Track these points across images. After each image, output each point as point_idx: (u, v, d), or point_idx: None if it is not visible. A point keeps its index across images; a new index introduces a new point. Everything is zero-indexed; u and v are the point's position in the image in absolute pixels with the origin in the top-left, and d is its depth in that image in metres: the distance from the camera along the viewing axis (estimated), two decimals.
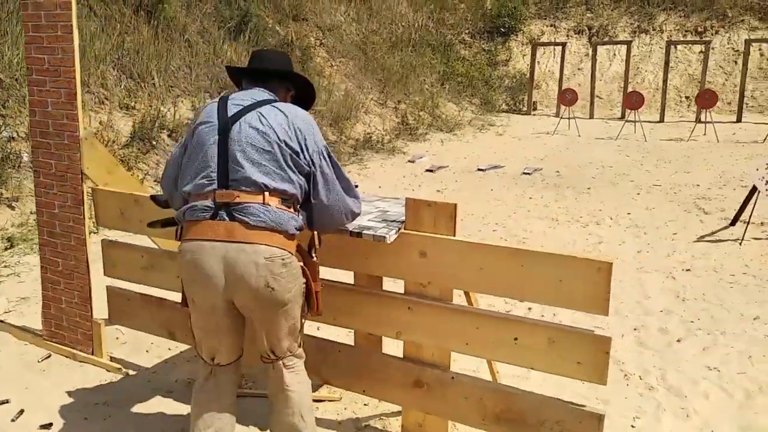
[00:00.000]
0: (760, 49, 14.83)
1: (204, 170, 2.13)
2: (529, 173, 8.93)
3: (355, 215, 2.39)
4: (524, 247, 2.31)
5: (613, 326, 3.89)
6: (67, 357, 3.43)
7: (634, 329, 3.85)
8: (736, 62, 14.60)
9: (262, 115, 2.17)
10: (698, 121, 12.36)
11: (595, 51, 14.82)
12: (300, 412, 2.30)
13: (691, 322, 3.92)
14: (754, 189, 5.69)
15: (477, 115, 14.15)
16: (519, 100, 15.44)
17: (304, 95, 2.53)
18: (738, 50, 14.87)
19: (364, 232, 2.39)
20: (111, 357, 3.43)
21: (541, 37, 16.88)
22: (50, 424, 2.81)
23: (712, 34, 15.48)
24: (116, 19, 8.44)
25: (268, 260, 2.08)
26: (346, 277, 2.82)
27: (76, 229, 3.28)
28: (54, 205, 3.33)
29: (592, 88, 14.63)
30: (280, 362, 2.29)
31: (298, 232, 2.19)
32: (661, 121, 13.63)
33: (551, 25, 17.21)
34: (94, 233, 5.04)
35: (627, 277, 4.77)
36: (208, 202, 2.10)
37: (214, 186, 2.10)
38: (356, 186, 2.43)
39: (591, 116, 14.33)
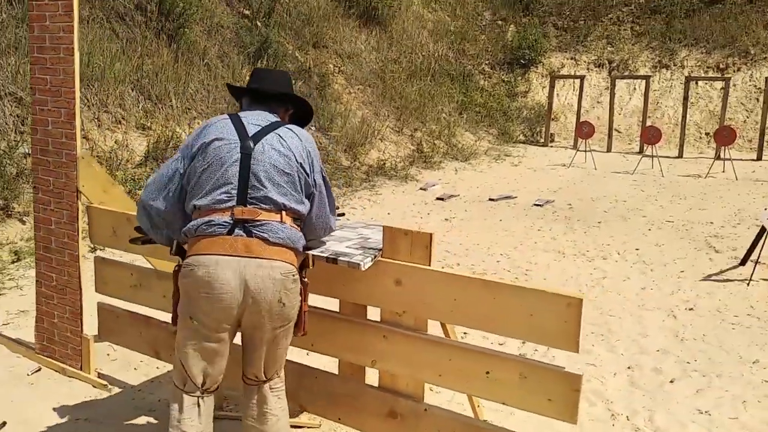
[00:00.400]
0: None
1: (223, 186, 2.17)
2: (540, 205, 8.88)
3: (331, 231, 2.55)
4: (495, 280, 2.30)
5: (606, 364, 3.83)
6: (56, 371, 3.47)
7: (628, 368, 3.78)
8: (757, 99, 14.42)
9: (282, 138, 2.27)
10: (717, 157, 12.22)
11: (613, 84, 14.79)
12: None
13: (687, 362, 3.84)
14: (763, 229, 5.59)
15: (493, 145, 14.16)
16: (536, 131, 15.43)
17: (302, 113, 2.61)
18: (760, 87, 14.71)
19: (340, 258, 2.40)
20: (99, 373, 3.46)
21: (561, 70, 16.90)
22: None
23: (734, 71, 15.36)
24: (138, 41, 8.66)
25: (283, 275, 2.17)
26: (327, 303, 2.82)
27: (70, 245, 3.34)
28: (51, 221, 3.40)
29: (611, 121, 14.57)
30: (267, 385, 2.34)
31: (303, 250, 2.31)
32: (680, 156, 13.49)
33: (572, 58, 17.24)
34: (100, 250, 5.12)
35: (627, 314, 4.70)
36: (226, 218, 2.15)
37: (233, 202, 2.16)
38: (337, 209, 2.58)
39: (609, 150, 14.25)
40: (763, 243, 5.61)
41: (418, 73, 14.47)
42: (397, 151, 11.67)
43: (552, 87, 15.41)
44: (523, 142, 15.09)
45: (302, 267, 2.33)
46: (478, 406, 2.93)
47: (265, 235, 2.15)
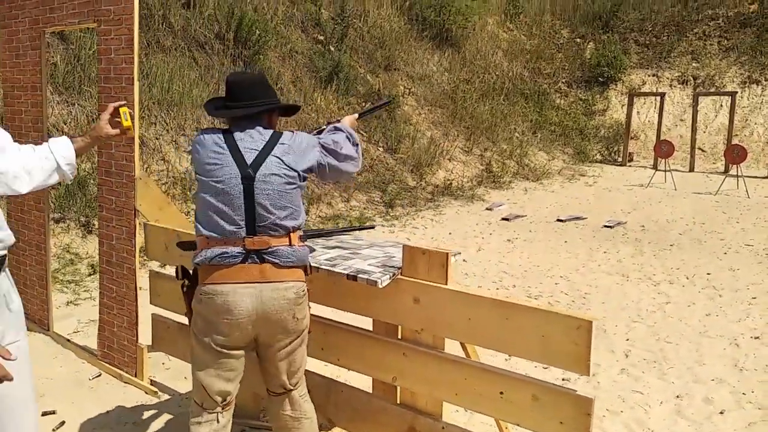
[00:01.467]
0: None
1: (230, 218, 2.24)
2: (611, 226, 8.62)
3: (354, 163, 2.56)
4: (509, 300, 2.30)
5: (654, 392, 3.69)
6: (114, 377, 3.73)
7: (677, 396, 3.62)
8: None
9: (280, 159, 2.31)
10: None
11: (696, 102, 14.16)
12: None
13: (743, 393, 3.63)
14: None
15: (568, 165, 13.86)
16: (614, 150, 14.98)
17: (287, 107, 2.66)
18: None
19: (359, 275, 2.48)
20: (152, 380, 3.68)
21: (642, 87, 16.37)
22: None
23: None
24: (215, 68, 9.16)
25: (296, 294, 2.30)
26: (358, 321, 2.90)
27: (128, 259, 3.60)
28: (112, 237, 3.68)
29: (693, 140, 13.94)
30: (295, 392, 2.46)
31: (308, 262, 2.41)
32: None
33: (653, 75, 16.67)
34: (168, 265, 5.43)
35: (685, 340, 4.49)
36: (239, 249, 2.24)
37: (243, 233, 2.25)
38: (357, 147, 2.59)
39: (691, 169, 13.63)
40: None
41: (491, 92, 14.44)
42: (465, 170, 11.66)
43: (630, 105, 14.95)
44: (600, 162, 14.68)
45: (305, 272, 2.41)
46: (506, 428, 2.91)
47: (277, 261, 2.26)
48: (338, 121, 2.76)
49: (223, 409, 2.36)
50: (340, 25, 11.79)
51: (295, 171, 2.32)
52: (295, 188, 2.33)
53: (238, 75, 2.49)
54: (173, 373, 3.84)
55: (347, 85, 11.01)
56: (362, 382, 3.00)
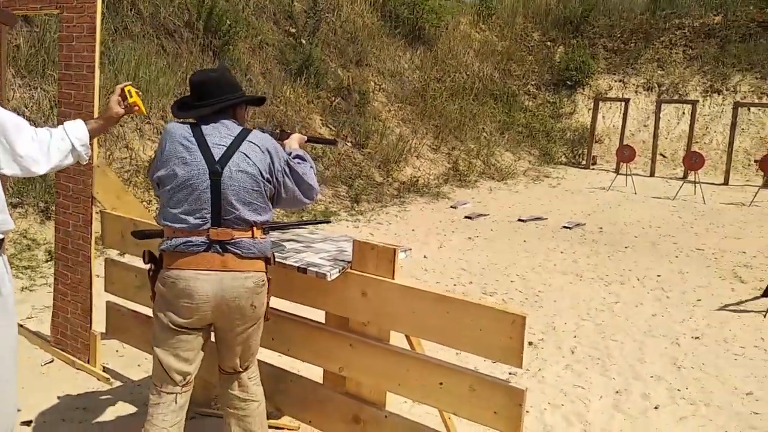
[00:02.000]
0: None
1: (197, 212, 2.32)
2: (570, 227, 8.83)
3: (312, 192, 2.62)
4: (449, 294, 2.40)
5: (595, 387, 3.84)
6: (66, 363, 3.74)
7: (616, 392, 3.78)
8: None
9: (247, 156, 2.38)
10: (764, 186, 11.85)
11: (659, 108, 14.54)
12: (261, 421, 2.58)
13: (678, 390, 3.82)
14: None
15: (534, 166, 14.10)
16: (579, 153, 15.28)
17: (252, 99, 2.72)
18: None
19: (309, 268, 2.56)
20: (105, 367, 3.71)
21: (609, 92, 16.71)
22: (31, 422, 3.09)
23: None
24: (184, 57, 9.11)
25: (255, 284, 2.40)
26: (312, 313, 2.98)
27: (84, 247, 3.62)
28: (69, 224, 3.69)
29: (654, 145, 14.31)
30: (245, 374, 2.57)
31: (270, 254, 2.49)
32: (726, 183, 13.12)
33: (620, 81, 17.02)
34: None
35: (630, 339, 4.68)
36: (203, 238, 2.33)
37: (208, 225, 2.33)
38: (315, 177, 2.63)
39: (652, 174, 13.98)
40: None
41: (461, 92, 14.58)
42: (432, 168, 11.79)
43: (596, 109, 15.26)
44: (565, 164, 14.96)
45: (267, 263, 2.49)
46: (449, 418, 3.02)
47: (239, 251, 2.36)
48: (288, 134, 2.87)
49: (182, 389, 2.43)
50: (313, 18, 11.80)
51: (259, 170, 2.40)
52: (261, 185, 2.40)
53: (200, 74, 2.54)
54: (127, 360, 3.86)
55: (317, 78, 11.03)
56: (316, 372, 3.07)
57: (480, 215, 9.33)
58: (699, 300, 5.72)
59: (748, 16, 16.72)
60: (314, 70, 10.96)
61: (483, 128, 14.25)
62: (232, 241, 2.34)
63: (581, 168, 14.74)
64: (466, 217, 9.20)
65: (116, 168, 7.09)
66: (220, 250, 2.33)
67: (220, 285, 2.32)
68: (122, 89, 2.67)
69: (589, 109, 15.99)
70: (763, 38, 16.09)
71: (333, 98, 11.16)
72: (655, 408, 3.57)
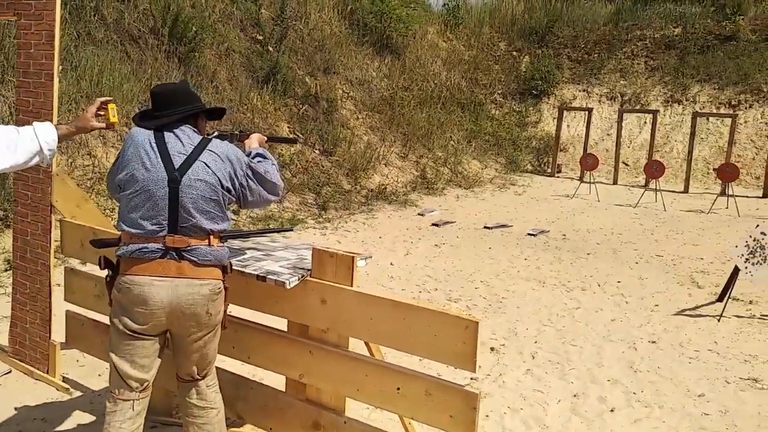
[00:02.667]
0: None
1: (154, 218, 2.35)
2: (534, 234, 8.98)
3: (277, 190, 2.67)
4: (405, 301, 2.45)
5: (554, 391, 3.93)
6: (25, 374, 3.69)
7: (574, 395, 3.88)
8: (767, 137, 14.40)
9: (207, 165, 2.42)
10: (722, 193, 12.20)
11: (621, 118, 14.88)
12: (220, 429, 2.60)
13: (634, 393, 3.92)
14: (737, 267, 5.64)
15: (500, 174, 14.29)
16: (544, 161, 15.54)
17: (212, 110, 2.74)
18: None
19: (269, 276, 2.59)
20: (64, 378, 3.67)
21: (573, 102, 17.04)
22: None
23: (746, 108, 15.35)
24: (149, 63, 9.04)
25: (211, 291, 2.42)
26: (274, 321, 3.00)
27: (43, 255, 3.58)
28: (27, 233, 3.65)
29: (617, 154, 14.63)
30: (203, 381, 2.58)
31: (227, 262, 2.51)
32: (686, 191, 13.48)
33: (584, 90, 17.37)
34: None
35: (589, 344, 4.79)
36: (159, 245, 2.35)
37: (165, 232, 2.36)
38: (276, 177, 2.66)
39: (615, 182, 14.29)
40: (733, 281, 5.65)
41: (429, 100, 14.72)
42: (400, 176, 11.87)
43: (560, 118, 15.55)
44: (530, 172, 15.19)
45: (225, 271, 2.52)
46: (409, 423, 3.07)
47: (195, 259, 2.39)
48: (248, 135, 2.90)
49: (138, 395, 2.43)
50: (280, 26, 11.80)
51: (219, 180, 2.43)
52: (219, 194, 2.43)
53: (160, 86, 2.63)
54: (87, 370, 3.82)
55: (285, 86, 11.04)
56: (280, 379, 3.08)
57: (447, 222, 9.43)
58: (657, 305, 5.88)
59: (705, 28, 17.25)
60: (281, 77, 10.97)
61: (450, 136, 14.41)
62: (188, 248, 2.36)
63: (546, 176, 14.99)
64: (433, 224, 9.29)
65: (79, 175, 6.99)
66: (176, 257, 2.35)
67: (175, 292, 2.34)
68: (103, 104, 2.66)
69: (554, 118, 16.28)
70: (720, 50, 16.61)
71: (300, 106, 11.17)
72: (611, 411, 3.67)
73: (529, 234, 8.98)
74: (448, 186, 12.46)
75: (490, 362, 4.34)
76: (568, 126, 16.44)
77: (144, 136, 2.43)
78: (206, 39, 10.07)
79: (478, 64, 17.54)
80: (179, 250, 2.35)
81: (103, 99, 2.67)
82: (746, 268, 5.36)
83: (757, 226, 5.48)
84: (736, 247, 5.44)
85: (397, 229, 8.86)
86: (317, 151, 10.70)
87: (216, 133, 2.89)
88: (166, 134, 2.43)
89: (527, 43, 18.68)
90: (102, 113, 2.65)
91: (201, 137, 2.50)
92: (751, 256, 5.34)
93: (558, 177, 14.93)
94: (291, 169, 9.77)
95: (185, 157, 2.39)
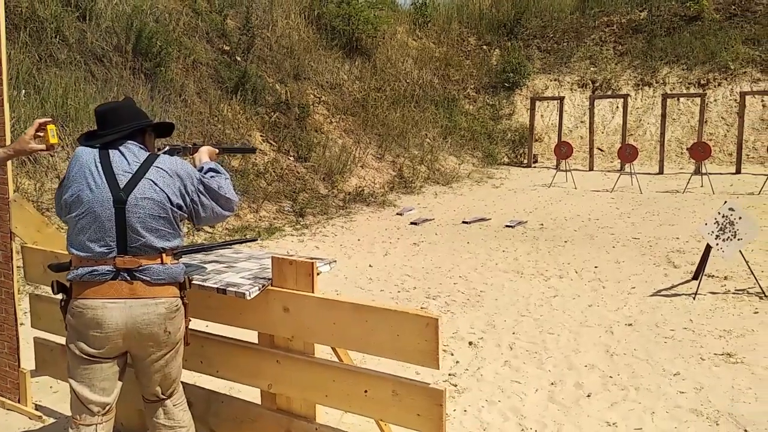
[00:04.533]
0: (762, 101, 14.83)
1: (102, 240, 2.29)
2: (512, 226, 9.02)
3: (231, 204, 2.61)
4: (366, 303, 2.45)
5: (531, 380, 3.94)
6: None
7: (551, 383, 3.89)
8: (738, 114, 14.59)
9: (154, 183, 2.36)
10: (696, 172, 12.35)
11: (592, 104, 15.01)
12: None
13: (610, 377, 3.95)
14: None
15: (477, 168, 14.35)
16: (520, 153, 15.63)
17: (160, 126, 2.70)
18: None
19: (229, 288, 2.57)
20: (37, 405, 3.62)
21: (545, 91, 17.16)
22: None
23: (714, 86, 15.55)
24: (115, 81, 8.96)
25: (167, 309, 2.37)
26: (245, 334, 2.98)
27: (6, 283, 3.52)
28: None
29: (591, 141, 14.76)
30: (169, 401, 2.53)
31: (183, 278, 2.47)
32: (661, 173, 13.63)
33: (555, 80, 17.50)
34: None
35: (566, 331, 4.81)
36: (109, 267, 2.30)
37: (114, 254, 2.30)
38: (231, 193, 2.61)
39: (590, 168, 14.42)
40: (706, 258, 5.71)
41: (402, 100, 14.76)
42: (377, 177, 11.88)
43: (533, 108, 15.65)
44: (507, 164, 15.28)
45: (182, 287, 2.48)
46: (386, 425, 3.06)
47: (148, 278, 2.33)
48: (196, 147, 2.86)
49: (101, 419, 2.39)
50: (246, 35, 11.77)
51: (167, 197, 2.38)
52: (168, 211, 2.38)
53: (104, 104, 2.59)
54: (61, 395, 3.77)
55: (255, 95, 11.01)
56: (254, 392, 3.06)
57: (425, 220, 9.45)
58: (633, 288, 5.92)
59: (670, 10, 17.47)
60: (251, 86, 10.94)
61: (426, 134, 14.44)
62: (140, 268, 2.32)
63: (523, 167, 15.08)
64: (411, 223, 9.30)
65: (48, 199, 6.91)
66: (128, 277, 2.30)
67: (129, 313, 2.30)
68: (42, 125, 2.60)
69: (528, 109, 16.39)
70: (686, 31, 16.82)
71: (272, 113, 11.14)
72: (588, 396, 3.69)
73: (507, 226, 9.02)
74: (425, 184, 12.49)
75: (469, 356, 4.35)
76: (541, 116, 16.57)
77: (89, 155, 2.38)
78: (172, 53, 10.02)
79: (449, 60, 17.61)
80: (131, 270, 2.31)
81: (41, 120, 2.60)
82: (717, 244, 5.42)
83: (725, 202, 5.54)
84: (706, 224, 5.49)
85: (375, 230, 8.86)
86: (292, 158, 10.67)
87: (167, 148, 2.86)
88: (111, 153, 2.38)
89: (497, 36, 18.80)
90: (41, 134, 2.58)
91: (148, 154, 2.45)
92: (721, 232, 5.40)
93: (535, 167, 15.02)
94: (266, 178, 9.74)
95: (131, 175, 2.34)
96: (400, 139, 13.50)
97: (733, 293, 5.59)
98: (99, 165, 2.35)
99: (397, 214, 10.07)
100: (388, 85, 14.92)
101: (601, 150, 15.36)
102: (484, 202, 11.12)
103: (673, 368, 4.04)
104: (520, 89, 17.39)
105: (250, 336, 2.84)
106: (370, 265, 6.98)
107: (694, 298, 5.47)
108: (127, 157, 2.39)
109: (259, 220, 8.78)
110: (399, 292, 6.01)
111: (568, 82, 17.29)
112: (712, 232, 5.43)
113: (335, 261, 3.12)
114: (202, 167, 2.67)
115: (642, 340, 4.55)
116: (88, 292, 2.30)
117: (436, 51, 17.73)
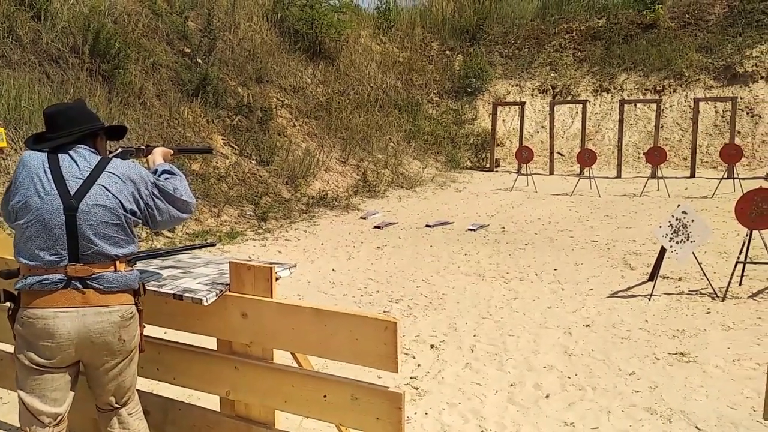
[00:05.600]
0: (715, 107, 15.30)
1: (52, 248, 2.22)
2: (474, 229, 9.11)
3: (189, 207, 2.57)
4: (324, 308, 2.44)
5: (491, 382, 3.99)
6: None
7: (511, 385, 3.94)
8: (692, 120, 15.03)
9: (106, 189, 2.29)
10: (652, 176, 12.66)
11: (552, 110, 15.27)
12: None
13: (568, 377, 4.02)
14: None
15: (441, 172, 14.45)
16: (483, 157, 15.81)
17: (112, 129, 2.62)
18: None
19: (185, 294, 2.53)
20: None
21: (507, 97, 17.39)
22: None
23: (670, 92, 15.98)
24: (71, 83, 8.76)
25: (121, 317, 2.32)
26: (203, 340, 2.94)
27: None
28: None
29: (551, 145, 15.01)
30: (124, 410, 2.48)
31: (138, 285, 2.42)
32: (619, 177, 13.94)
33: (517, 85, 17.75)
34: None
35: (526, 333, 4.88)
36: (60, 275, 2.23)
37: (65, 262, 2.23)
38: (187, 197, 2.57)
39: (551, 172, 14.65)
40: (660, 260, 5.86)
41: (365, 104, 14.78)
42: (341, 181, 11.86)
43: (495, 113, 15.85)
44: (470, 168, 15.44)
45: (137, 293, 2.43)
46: (345, 429, 3.05)
47: (101, 287, 2.27)
48: (150, 148, 2.80)
49: (53, 429, 2.32)
50: (208, 37, 11.64)
51: (120, 202, 2.31)
52: (121, 218, 2.32)
53: (54, 106, 2.49)
54: (11, 406, 3.66)
55: (216, 98, 10.88)
56: (213, 399, 3.02)
57: (389, 224, 9.47)
58: (591, 289, 6.04)
59: (628, 18, 17.90)
60: (212, 89, 10.81)
61: (390, 138, 14.49)
62: (93, 276, 2.25)
63: (485, 171, 15.25)
64: (375, 226, 9.31)
65: None
66: (80, 286, 2.24)
67: (82, 321, 2.24)
68: None
69: (489, 114, 16.59)
70: (643, 39, 17.25)
71: (234, 117, 11.03)
72: (546, 397, 3.74)
73: (470, 229, 9.10)
74: (389, 188, 12.52)
75: (430, 359, 4.37)
76: (503, 121, 16.78)
77: (37, 160, 2.29)
78: (131, 55, 9.84)
79: (412, 65, 17.72)
80: (83, 279, 2.24)
81: None
82: (671, 247, 5.56)
83: (679, 206, 5.70)
84: (660, 227, 5.64)
85: (339, 234, 8.85)
86: (254, 162, 10.58)
87: (119, 150, 2.80)
88: (61, 157, 2.30)
89: (459, 41, 18.99)
90: None
91: (100, 158, 2.37)
92: (675, 235, 5.55)
93: (497, 171, 15.21)
94: (228, 182, 9.63)
95: (82, 181, 2.26)
96: (364, 143, 13.51)
97: (687, 294, 5.75)
98: (48, 170, 2.26)
99: (361, 218, 10.07)
100: (351, 89, 14.93)
101: (561, 154, 15.64)
102: (447, 206, 11.20)
103: (628, 368, 4.13)
104: (482, 94, 17.59)
105: (209, 342, 2.81)
106: (333, 270, 6.96)
107: (649, 299, 5.60)
108: (78, 162, 2.32)
109: (221, 224, 8.68)
110: (362, 296, 6.01)
111: (529, 88, 17.56)
112: (667, 234, 5.57)
113: (295, 265, 3.10)
114: (156, 169, 2.62)
115: (599, 341, 4.65)
116: (38, 302, 2.23)
117: (400, 56, 17.82)
